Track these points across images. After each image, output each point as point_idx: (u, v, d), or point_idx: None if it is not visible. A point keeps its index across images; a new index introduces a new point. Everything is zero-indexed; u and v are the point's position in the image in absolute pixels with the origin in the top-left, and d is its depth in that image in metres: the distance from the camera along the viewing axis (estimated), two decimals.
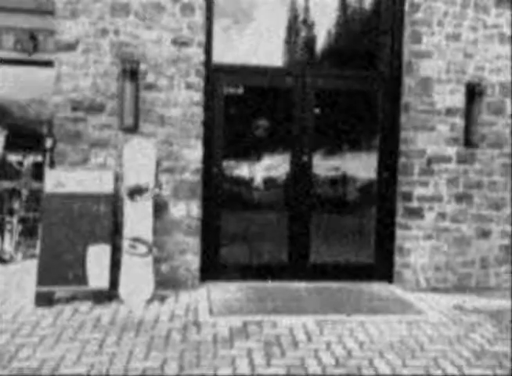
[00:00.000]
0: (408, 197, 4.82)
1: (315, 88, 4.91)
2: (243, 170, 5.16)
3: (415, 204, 4.80)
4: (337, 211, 5.38)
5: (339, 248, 5.23)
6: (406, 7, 4.90)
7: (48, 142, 6.01)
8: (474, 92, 4.82)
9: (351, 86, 5.06)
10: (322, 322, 3.86)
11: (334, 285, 4.86)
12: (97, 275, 4.15)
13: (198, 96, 4.60)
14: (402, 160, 4.92)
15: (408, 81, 4.87)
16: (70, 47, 4.46)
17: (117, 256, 4.37)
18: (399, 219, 4.93)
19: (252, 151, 5.15)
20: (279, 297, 4.44)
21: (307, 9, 5.13)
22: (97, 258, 4.18)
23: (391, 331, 3.72)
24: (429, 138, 4.81)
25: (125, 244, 4.26)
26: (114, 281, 4.29)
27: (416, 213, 4.81)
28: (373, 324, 3.85)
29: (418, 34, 4.78)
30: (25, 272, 5.12)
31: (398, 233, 4.93)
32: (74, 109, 4.46)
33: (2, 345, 3.31)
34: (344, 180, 5.32)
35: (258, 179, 5.17)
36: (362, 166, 5.29)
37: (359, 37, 5.33)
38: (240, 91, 4.97)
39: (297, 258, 4.95)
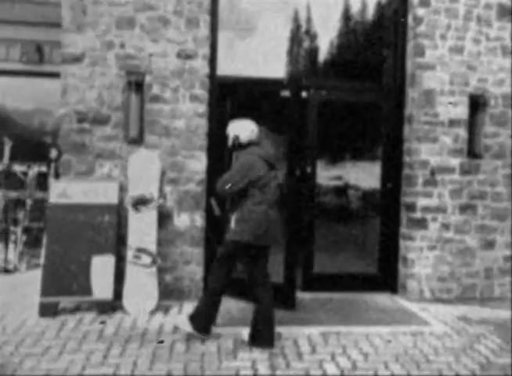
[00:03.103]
0: (412, 207, 4.83)
1: (319, 100, 4.94)
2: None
3: (419, 214, 4.81)
4: (340, 221, 5.39)
5: (342, 258, 5.23)
6: (409, 20, 4.95)
7: (53, 153, 6.05)
8: (477, 104, 4.86)
9: (355, 97, 5.10)
10: (327, 333, 3.85)
11: (338, 296, 4.85)
12: (101, 285, 4.16)
13: (202, 108, 4.64)
14: (406, 170, 4.94)
15: (411, 93, 4.91)
16: (77, 59, 4.51)
17: (121, 266, 4.39)
18: (403, 230, 4.93)
19: None
20: (282, 307, 4.42)
21: (309, 20, 5.18)
22: (101, 268, 4.19)
23: (396, 342, 3.71)
24: (432, 149, 4.83)
25: (130, 254, 4.27)
26: (118, 292, 4.30)
27: (420, 224, 4.81)
28: (377, 335, 3.84)
29: (421, 46, 4.82)
30: (29, 282, 5.13)
31: (402, 243, 4.93)
32: (80, 120, 4.50)
33: (7, 355, 3.31)
34: (346, 190, 5.34)
35: None
36: (364, 176, 5.31)
37: (362, 49, 5.38)
38: (244, 102, 5.01)
39: (300, 268, 4.93)
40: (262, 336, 3.53)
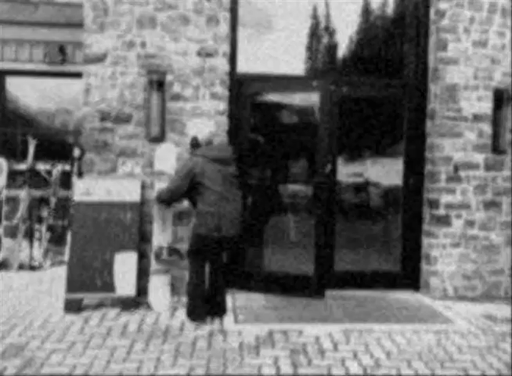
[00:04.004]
0: (435, 204, 4.76)
1: (340, 96, 4.90)
2: (266, 177, 5.18)
3: (442, 211, 4.74)
4: (361, 218, 5.34)
5: (363, 256, 5.19)
6: (432, 14, 4.87)
7: (76, 152, 6.14)
8: (501, 98, 4.75)
9: (376, 93, 5.05)
10: (348, 331, 3.83)
11: (359, 293, 4.81)
12: (124, 282, 4.22)
13: (223, 106, 4.65)
14: (429, 167, 4.87)
15: (434, 88, 4.83)
16: (99, 59, 4.57)
17: (143, 263, 4.44)
18: (426, 227, 4.87)
19: (276, 159, 5.17)
20: (304, 305, 4.42)
21: (328, 16, 5.14)
22: (124, 265, 4.25)
23: (419, 341, 3.67)
24: (456, 145, 4.76)
25: (163, 251, 4.33)
26: (141, 288, 4.35)
27: (444, 220, 4.74)
28: (400, 333, 3.80)
29: (444, 40, 4.74)
30: (53, 278, 5.23)
31: (425, 240, 4.87)
32: (102, 119, 4.56)
33: (34, 350, 3.39)
34: (367, 187, 5.30)
35: (282, 187, 5.18)
36: (385, 173, 5.26)
37: (383, 44, 5.32)
38: (265, 99, 5.01)
39: (321, 265, 4.90)
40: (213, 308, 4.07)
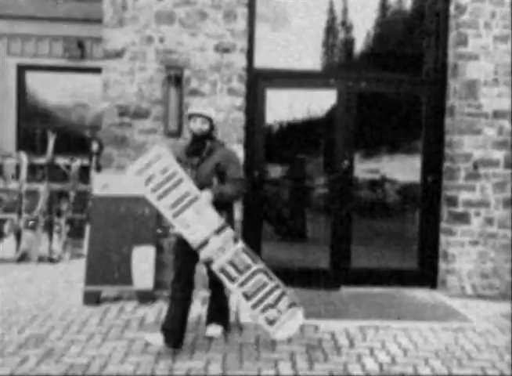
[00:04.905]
0: (453, 201, 4.71)
1: (358, 92, 4.87)
2: (283, 173, 5.18)
3: (460, 208, 4.69)
4: (377, 215, 5.32)
5: (380, 253, 5.17)
6: (452, 9, 4.81)
7: (94, 147, 6.21)
8: None
9: (394, 89, 5.00)
10: (365, 327, 3.82)
11: (376, 290, 4.80)
12: (142, 275, 4.27)
13: (240, 101, 4.65)
14: (447, 164, 4.82)
15: (453, 84, 4.77)
16: (117, 54, 4.61)
17: (160, 257, 4.48)
18: (444, 224, 4.82)
19: (293, 154, 5.17)
20: (320, 301, 4.43)
21: (345, 11, 5.11)
22: (142, 258, 4.29)
23: (436, 339, 3.65)
24: (475, 141, 4.70)
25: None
26: (158, 282, 4.40)
27: (462, 218, 4.70)
28: (416, 331, 3.78)
29: (464, 36, 4.68)
30: (72, 271, 5.31)
31: (443, 238, 4.83)
32: (121, 114, 4.60)
33: (54, 341, 3.45)
34: (383, 183, 5.27)
35: (299, 183, 5.18)
36: (402, 169, 5.22)
37: (401, 40, 5.26)
38: (282, 95, 5.01)
39: (338, 262, 4.91)
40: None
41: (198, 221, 2.99)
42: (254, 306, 2.83)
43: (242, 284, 2.88)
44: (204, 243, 3.03)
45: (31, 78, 7.33)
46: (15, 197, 5.98)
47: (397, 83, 5.00)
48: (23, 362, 3.12)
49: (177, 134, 4.60)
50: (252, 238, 4.82)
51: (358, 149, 5.01)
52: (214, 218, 3.03)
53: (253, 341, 3.51)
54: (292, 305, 2.90)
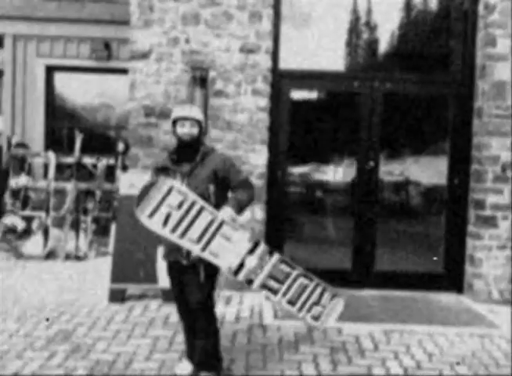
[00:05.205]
0: (480, 204, 4.63)
1: (383, 93, 4.83)
2: (307, 174, 5.17)
3: (488, 212, 4.60)
4: (401, 217, 5.26)
5: (404, 256, 5.11)
6: (480, 8, 4.72)
7: (120, 146, 6.30)
8: None
9: (421, 90, 4.94)
10: (389, 331, 3.79)
11: (400, 294, 4.74)
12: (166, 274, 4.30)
13: (264, 102, 4.66)
14: (475, 166, 4.73)
15: (481, 85, 4.69)
16: (144, 56, 4.67)
17: None
18: (471, 228, 4.74)
19: (317, 156, 5.16)
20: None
21: (369, 11, 5.07)
22: None
23: (462, 344, 3.59)
24: (504, 143, 4.60)
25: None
26: None
27: (489, 222, 4.61)
28: (442, 336, 3.73)
29: (493, 36, 4.58)
30: (98, 269, 5.40)
31: (470, 242, 4.74)
32: (147, 115, 4.66)
33: (81, 337, 3.52)
34: (407, 185, 5.21)
35: (322, 184, 5.17)
36: (426, 171, 5.15)
37: (427, 40, 5.19)
38: (306, 96, 5.00)
39: (361, 264, 4.88)
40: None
41: (228, 247, 2.69)
42: (300, 309, 2.81)
43: (285, 294, 2.77)
44: (240, 267, 2.74)
45: (59, 79, 7.48)
46: (43, 195, 6.11)
47: (423, 84, 4.93)
48: (52, 357, 3.19)
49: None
50: (275, 238, 4.83)
51: (383, 150, 4.96)
52: (244, 238, 2.74)
53: (276, 342, 3.52)
54: (334, 296, 2.91)
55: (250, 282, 2.77)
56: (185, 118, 2.86)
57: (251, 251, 2.74)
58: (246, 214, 4.64)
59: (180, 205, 2.64)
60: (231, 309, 4.19)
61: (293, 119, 4.90)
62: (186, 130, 2.84)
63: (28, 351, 3.27)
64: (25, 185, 6.25)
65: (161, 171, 2.88)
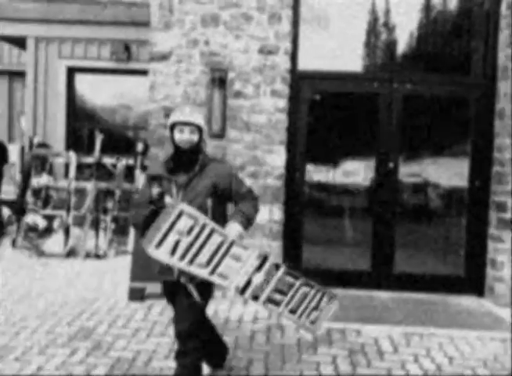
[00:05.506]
0: (502, 207, 4.56)
1: (403, 94, 4.79)
2: (325, 175, 5.16)
3: (510, 214, 4.53)
4: (420, 219, 5.21)
5: (423, 258, 5.06)
6: (503, 9, 4.66)
7: (139, 147, 6.37)
8: None
9: (441, 91, 4.89)
10: (409, 334, 3.76)
11: (420, 296, 4.69)
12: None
13: (283, 103, 4.67)
14: (496, 168, 4.67)
15: (503, 87, 4.62)
16: (164, 57, 4.71)
17: None
18: (492, 230, 4.67)
19: (335, 157, 5.14)
20: (361, 305, 4.38)
21: (387, 12, 5.04)
22: None
23: (484, 348, 3.54)
24: None
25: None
26: None
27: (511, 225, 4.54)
28: (463, 339, 3.69)
29: None
30: (117, 267, 5.47)
31: (491, 245, 4.68)
32: (167, 116, 4.69)
33: (101, 334, 3.57)
34: (426, 187, 5.15)
35: (341, 185, 5.15)
36: (446, 173, 5.09)
37: (447, 41, 5.14)
38: (325, 96, 4.99)
39: (380, 266, 4.84)
40: None
41: (237, 267, 2.51)
42: (301, 315, 2.79)
43: (287, 304, 2.69)
44: (247, 285, 2.57)
45: (80, 80, 7.60)
46: (64, 194, 6.21)
47: (444, 85, 4.88)
48: (73, 353, 3.25)
49: (220, 135, 4.65)
50: (293, 239, 4.83)
51: (402, 151, 4.92)
52: (252, 255, 2.55)
53: (294, 343, 3.52)
54: (331, 299, 2.88)
55: (255, 298, 2.62)
56: (184, 123, 2.56)
57: (259, 268, 2.58)
58: (264, 214, 4.66)
59: (190, 230, 2.38)
60: (249, 309, 4.20)
61: (311, 120, 4.90)
62: (185, 137, 2.55)
63: (51, 347, 3.33)
64: (46, 184, 6.36)
65: (155, 180, 2.57)
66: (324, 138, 5.11)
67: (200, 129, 2.61)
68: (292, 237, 4.82)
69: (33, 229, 6.08)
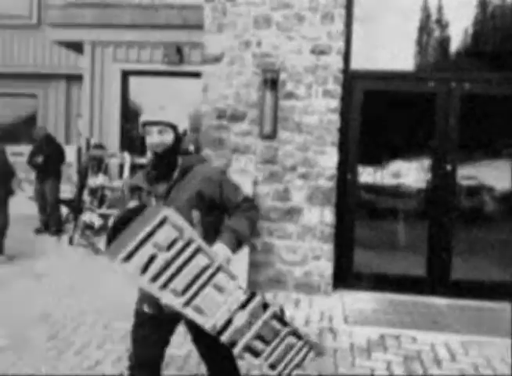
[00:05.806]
0: None
1: (461, 93, 4.62)
2: (378, 177, 5.05)
3: None
4: (477, 223, 5.01)
5: (480, 264, 4.85)
6: None
7: (190, 147, 6.47)
8: None
9: (504, 91, 4.67)
10: (466, 342, 3.61)
11: (477, 304, 4.50)
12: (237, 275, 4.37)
13: (335, 103, 4.61)
14: None
15: None
16: (216, 59, 4.77)
17: (254, 257, 4.56)
18: None
19: (388, 158, 5.02)
20: (416, 311, 4.26)
21: (440, 8, 4.86)
22: (236, 258, 4.39)
23: None
24: None
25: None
26: (252, 282, 4.48)
27: None
28: None
29: None
30: None
31: None
32: (219, 117, 4.76)
33: None
34: (481, 191, 4.94)
35: (395, 187, 5.03)
36: (503, 176, 4.86)
37: (506, 37, 4.90)
38: (378, 96, 4.89)
39: (436, 272, 4.69)
40: None
41: (219, 300, 1.97)
42: (280, 374, 2.15)
43: (268, 356, 2.12)
44: (226, 325, 2.02)
45: (133, 83, 7.82)
46: (118, 194, 6.41)
47: (506, 84, 4.66)
48: (129, 350, 3.32)
49: (271, 137, 4.66)
50: (344, 242, 4.77)
51: (460, 153, 4.75)
52: (238, 287, 2.03)
53: (347, 347, 3.47)
54: (318, 354, 2.21)
55: (232, 344, 2.05)
56: (150, 123, 2.11)
57: (243, 305, 2.04)
58: (315, 216, 4.62)
59: (171, 244, 1.83)
60: (300, 312, 4.18)
61: (364, 120, 4.80)
62: (154, 139, 2.11)
63: (108, 343, 3.44)
64: (102, 184, 6.59)
65: (134, 192, 2.19)
66: (377, 138, 5.00)
67: (173, 129, 2.15)
68: (343, 240, 4.76)
69: (89, 227, 6.31)
